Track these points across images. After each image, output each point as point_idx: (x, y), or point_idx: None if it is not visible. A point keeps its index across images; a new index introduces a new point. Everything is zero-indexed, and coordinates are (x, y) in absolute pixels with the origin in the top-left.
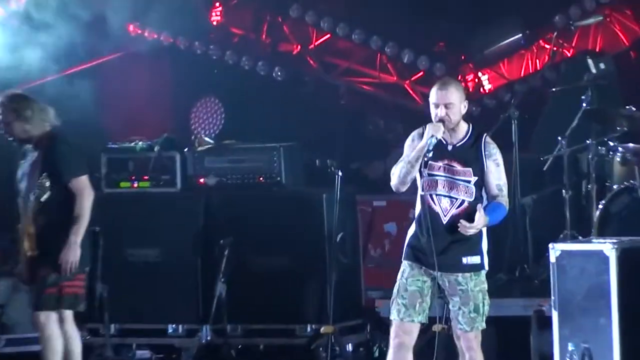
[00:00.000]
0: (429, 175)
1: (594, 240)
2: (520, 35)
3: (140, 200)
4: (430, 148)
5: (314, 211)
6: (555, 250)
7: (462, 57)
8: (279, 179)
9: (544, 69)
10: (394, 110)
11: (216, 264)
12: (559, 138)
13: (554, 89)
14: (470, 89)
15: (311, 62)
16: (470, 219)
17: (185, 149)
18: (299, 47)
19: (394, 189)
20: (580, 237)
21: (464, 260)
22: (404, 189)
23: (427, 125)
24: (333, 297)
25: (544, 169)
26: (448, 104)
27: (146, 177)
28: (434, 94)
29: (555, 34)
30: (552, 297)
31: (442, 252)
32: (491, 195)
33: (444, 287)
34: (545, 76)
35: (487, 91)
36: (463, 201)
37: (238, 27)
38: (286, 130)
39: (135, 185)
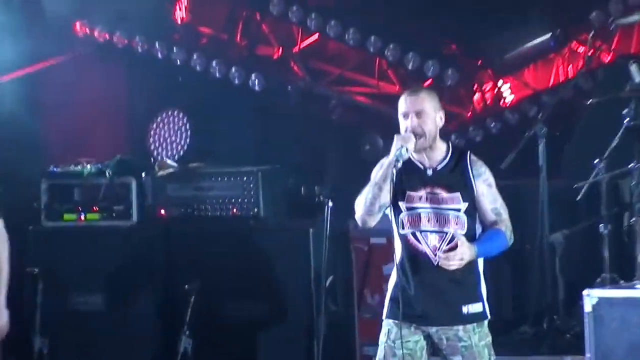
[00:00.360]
0: (409, 209)
1: (638, 286)
2: (549, 35)
3: (88, 235)
4: (399, 160)
5: (298, 249)
6: (591, 297)
7: (479, 62)
8: (256, 210)
9: (578, 77)
10: (395, 127)
11: (180, 313)
12: (596, 161)
13: (589, 101)
14: (489, 101)
15: (295, 68)
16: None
17: (143, 174)
18: (281, 50)
19: (359, 223)
20: (621, 282)
21: (464, 309)
22: (372, 222)
23: (395, 136)
24: (321, 353)
25: (578, 198)
26: (419, 112)
27: (95, 208)
28: (402, 102)
29: (591, 34)
30: (587, 355)
31: (436, 301)
32: (488, 222)
33: (442, 345)
34: (579, 85)
35: (508, 104)
36: (452, 238)
37: (207, 25)
38: (265, 151)
39: (82, 217)
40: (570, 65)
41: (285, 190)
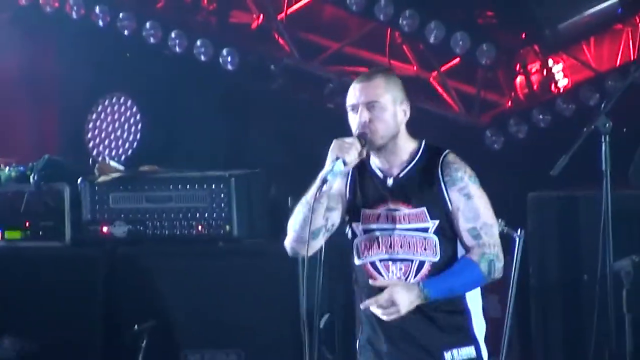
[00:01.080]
0: (366, 232)
1: None
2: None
3: (7, 260)
4: (331, 175)
5: (283, 280)
6: None
7: (523, 36)
8: (227, 228)
9: None
10: (411, 119)
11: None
12: None
13: None
14: (535, 87)
15: (281, 41)
16: None
17: (79, 179)
18: (262, 17)
19: (288, 251)
20: None
21: (448, 355)
22: (304, 251)
23: (333, 142)
24: None
25: None
26: (372, 104)
27: (16, 224)
28: (350, 91)
29: None
30: None
31: (410, 346)
32: (465, 247)
33: None
34: None
35: (561, 89)
36: (422, 263)
37: None
38: (240, 151)
39: (0, 236)
40: None
41: (265, 201)
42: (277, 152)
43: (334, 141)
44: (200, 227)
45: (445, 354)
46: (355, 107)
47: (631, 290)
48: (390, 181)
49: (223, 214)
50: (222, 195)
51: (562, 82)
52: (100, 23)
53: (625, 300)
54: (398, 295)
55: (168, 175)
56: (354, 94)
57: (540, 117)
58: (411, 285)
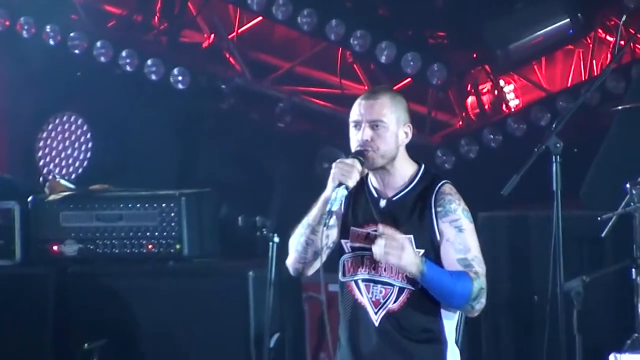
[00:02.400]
0: (353, 250)
1: None
2: (567, 20)
3: None
4: (335, 205)
5: (234, 299)
6: None
7: (474, 56)
8: (178, 247)
9: (605, 75)
10: None
11: None
12: (628, 185)
13: (619, 107)
14: (486, 107)
15: (232, 61)
16: (414, 320)
17: (29, 198)
18: (213, 37)
19: (291, 271)
20: None
21: None
22: (308, 271)
23: (334, 165)
24: None
25: (603, 234)
26: (376, 123)
27: None
28: (354, 108)
29: (623, 19)
30: None
31: None
32: None
33: None
34: (605, 87)
35: (512, 109)
36: (402, 290)
37: (116, 4)
38: (191, 170)
39: None
40: (595, 60)
41: (216, 221)
42: (227, 171)
43: (335, 165)
44: (150, 246)
45: None
46: (358, 124)
47: (582, 310)
48: (383, 203)
49: (173, 233)
50: (172, 215)
51: (513, 102)
52: (51, 42)
53: (575, 321)
54: (408, 246)
55: (118, 194)
56: (359, 110)
57: (491, 137)
58: (420, 256)
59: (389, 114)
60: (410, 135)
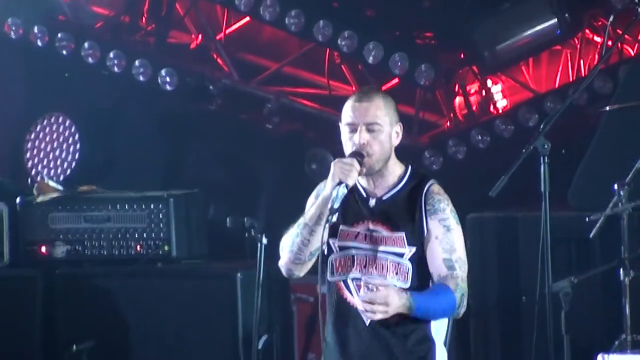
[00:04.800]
0: (342, 249)
1: None
2: (555, 21)
3: None
4: (337, 203)
5: (222, 301)
6: None
7: (461, 57)
8: (166, 248)
9: (592, 76)
10: None
11: None
12: (616, 186)
13: (607, 108)
14: (474, 107)
15: (220, 61)
16: (404, 319)
17: (18, 199)
18: (201, 37)
19: (284, 272)
20: None
21: None
22: (300, 272)
23: (333, 165)
24: None
25: (591, 235)
26: (371, 125)
27: None
28: (348, 109)
29: (610, 19)
30: None
31: None
32: (436, 276)
33: None
34: (593, 87)
35: (500, 110)
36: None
37: (103, 5)
38: (179, 171)
39: None
40: (582, 60)
41: (204, 222)
42: (215, 172)
43: (334, 164)
44: (138, 248)
45: None
46: (354, 127)
47: (570, 311)
48: (372, 202)
49: (162, 234)
50: (160, 216)
51: (501, 103)
52: (39, 43)
53: (563, 322)
54: (392, 298)
55: (107, 195)
56: (353, 113)
57: (479, 137)
58: (402, 292)
59: (383, 116)
60: (401, 135)
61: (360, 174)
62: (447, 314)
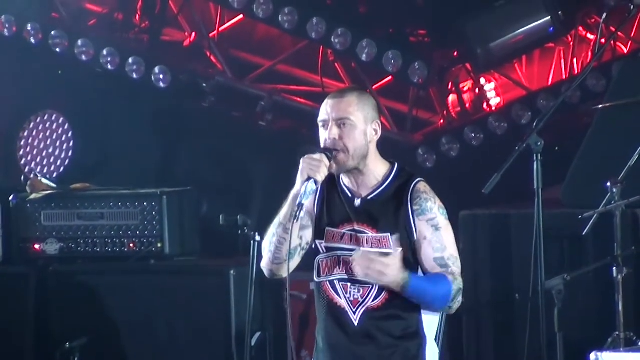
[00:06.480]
0: (328, 250)
1: None
2: (548, 18)
3: None
4: (305, 199)
5: (215, 298)
6: None
7: (455, 54)
8: (159, 245)
9: (585, 73)
10: None
11: None
12: (609, 184)
13: (600, 106)
14: (467, 105)
15: (213, 59)
16: (394, 317)
17: (10, 197)
18: (194, 35)
19: (266, 273)
20: None
21: None
22: (283, 272)
23: (302, 161)
24: None
25: (584, 233)
26: (342, 120)
27: None
28: (322, 108)
29: (604, 17)
30: None
31: None
32: (430, 274)
33: None
34: (586, 85)
35: (493, 108)
36: (381, 289)
37: (97, 2)
38: (172, 169)
39: None
40: (576, 58)
41: (197, 219)
42: (208, 169)
43: (302, 161)
44: (131, 245)
45: None
46: (325, 123)
47: (563, 308)
48: (358, 202)
49: (155, 232)
50: (153, 213)
51: (494, 100)
52: (32, 40)
53: (556, 319)
54: (392, 270)
55: (100, 192)
56: (326, 110)
57: (473, 135)
58: (404, 271)
59: (355, 112)
60: (379, 133)
61: (330, 169)
62: (439, 304)
